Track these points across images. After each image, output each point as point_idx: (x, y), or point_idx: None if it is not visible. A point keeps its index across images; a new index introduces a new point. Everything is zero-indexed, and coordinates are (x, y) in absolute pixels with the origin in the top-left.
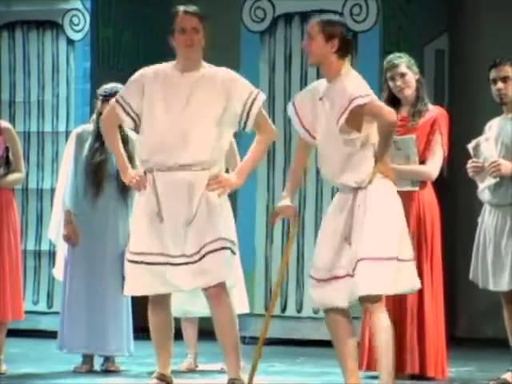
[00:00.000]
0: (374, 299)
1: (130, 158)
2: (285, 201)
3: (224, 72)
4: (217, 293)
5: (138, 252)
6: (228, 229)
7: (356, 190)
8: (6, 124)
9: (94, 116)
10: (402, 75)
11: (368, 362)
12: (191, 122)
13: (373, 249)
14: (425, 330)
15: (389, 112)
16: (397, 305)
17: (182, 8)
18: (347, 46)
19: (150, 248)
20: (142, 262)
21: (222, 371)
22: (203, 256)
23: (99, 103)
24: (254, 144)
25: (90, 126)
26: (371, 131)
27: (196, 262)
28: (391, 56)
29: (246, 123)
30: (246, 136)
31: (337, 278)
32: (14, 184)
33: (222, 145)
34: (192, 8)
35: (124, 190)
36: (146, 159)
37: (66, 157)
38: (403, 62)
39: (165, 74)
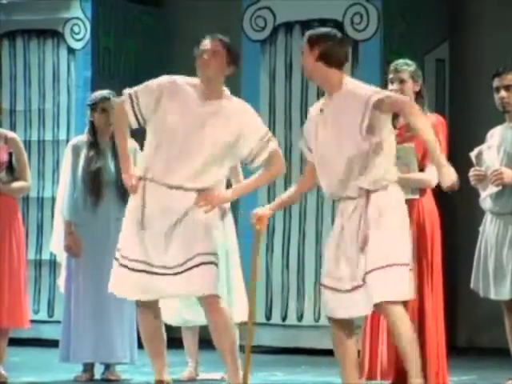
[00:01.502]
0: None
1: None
2: (264, 208)
3: (241, 109)
4: (210, 300)
5: (123, 255)
6: (213, 241)
7: (366, 194)
8: (12, 134)
9: (88, 126)
10: (401, 81)
11: (369, 370)
12: (198, 149)
13: (388, 256)
14: (425, 339)
15: (409, 104)
16: None
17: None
18: (334, 54)
19: (133, 254)
20: (125, 266)
21: (222, 380)
22: (189, 268)
23: (89, 112)
24: (261, 171)
25: (85, 137)
26: (384, 135)
27: (179, 273)
28: (399, 61)
29: (252, 161)
30: None
31: (357, 287)
32: (18, 192)
33: (222, 174)
34: (221, 36)
35: (124, 196)
36: (145, 166)
37: (64, 169)
38: (407, 70)
39: (186, 95)
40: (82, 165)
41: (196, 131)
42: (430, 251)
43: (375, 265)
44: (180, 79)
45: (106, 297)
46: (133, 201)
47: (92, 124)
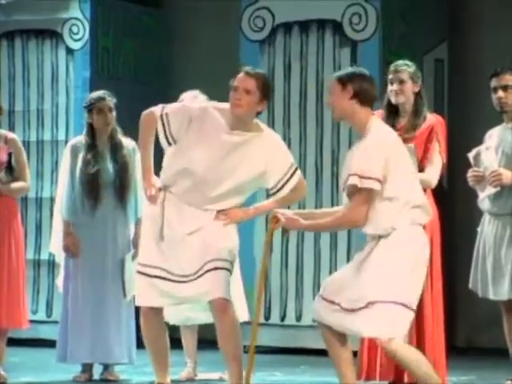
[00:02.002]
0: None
1: (125, 165)
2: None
3: (269, 141)
4: (220, 303)
5: (142, 263)
6: (227, 249)
7: (378, 238)
8: (12, 135)
9: (86, 128)
10: (401, 82)
11: (367, 371)
12: (221, 179)
13: (380, 292)
14: (425, 339)
15: (353, 213)
16: None
17: (246, 68)
18: (369, 91)
19: (153, 261)
20: (145, 274)
21: (221, 380)
22: (202, 275)
23: (86, 114)
24: (288, 193)
25: (83, 138)
26: (386, 185)
27: (194, 280)
28: (399, 62)
29: (277, 193)
30: None
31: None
32: (17, 192)
33: (242, 198)
34: (255, 71)
35: (122, 198)
36: (171, 179)
37: (63, 169)
38: (407, 71)
39: (214, 123)
40: (80, 167)
41: (220, 161)
42: (430, 252)
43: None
44: (211, 107)
45: (103, 297)
46: (151, 209)
47: (90, 126)
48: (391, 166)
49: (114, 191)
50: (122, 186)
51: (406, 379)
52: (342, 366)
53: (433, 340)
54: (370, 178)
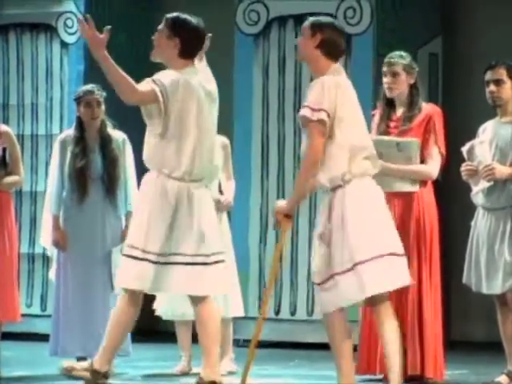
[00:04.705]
0: (382, 299)
1: (114, 158)
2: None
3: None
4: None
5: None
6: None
7: (333, 190)
8: (5, 128)
9: (75, 121)
10: (394, 74)
11: (368, 363)
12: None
13: (368, 249)
14: (424, 331)
15: (311, 150)
16: (397, 306)
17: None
18: (336, 44)
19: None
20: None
21: None
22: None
23: (76, 107)
24: None
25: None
26: (338, 130)
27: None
28: (394, 53)
29: None
30: (240, 142)
31: (328, 279)
32: (11, 186)
33: None
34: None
35: (111, 191)
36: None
37: (53, 163)
38: (401, 63)
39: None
40: (68, 160)
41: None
42: (429, 244)
43: (342, 267)
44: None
45: (93, 291)
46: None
47: (78, 119)
48: (344, 107)
49: (102, 184)
50: (110, 180)
51: (408, 371)
52: (342, 360)
53: (432, 331)
54: (321, 110)
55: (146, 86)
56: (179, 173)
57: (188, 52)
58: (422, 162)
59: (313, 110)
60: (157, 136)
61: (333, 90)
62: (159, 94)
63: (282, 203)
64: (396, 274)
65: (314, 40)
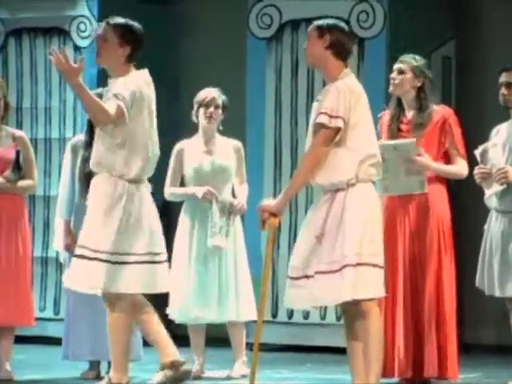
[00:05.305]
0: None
1: None
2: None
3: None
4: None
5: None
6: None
7: (334, 191)
8: (20, 133)
9: (86, 126)
10: (400, 72)
11: (386, 367)
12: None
13: (355, 254)
14: (446, 331)
15: (317, 149)
16: (414, 306)
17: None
18: (344, 45)
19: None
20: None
21: (228, 378)
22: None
23: None
24: None
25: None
26: (350, 136)
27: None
28: (409, 54)
29: None
30: (253, 145)
31: (307, 277)
32: (25, 191)
33: None
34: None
35: None
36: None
37: (64, 168)
38: (409, 63)
39: None
40: (78, 165)
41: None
42: (445, 247)
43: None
44: None
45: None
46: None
47: (89, 123)
48: (357, 112)
49: None
50: None
51: (425, 374)
52: (355, 362)
53: (451, 332)
54: (338, 117)
55: (112, 105)
56: (130, 176)
57: (134, 57)
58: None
59: (330, 116)
60: (112, 142)
61: (347, 96)
62: (125, 109)
63: (269, 202)
64: (377, 284)
65: (324, 41)
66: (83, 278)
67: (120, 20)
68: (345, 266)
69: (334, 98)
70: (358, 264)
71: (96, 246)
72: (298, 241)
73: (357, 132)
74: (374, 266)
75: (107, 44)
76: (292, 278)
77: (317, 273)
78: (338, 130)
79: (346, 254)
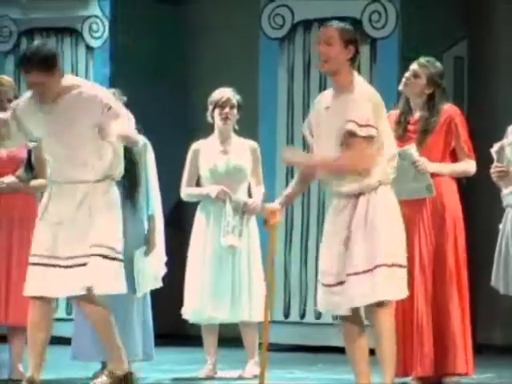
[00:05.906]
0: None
1: (135, 162)
2: (274, 203)
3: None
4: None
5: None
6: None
7: (355, 196)
8: None
9: None
10: (415, 75)
11: (404, 366)
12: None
13: (387, 255)
14: (451, 330)
15: (363, 157)
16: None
17: None
18: (358, 56)
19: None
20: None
21: (240, 378)
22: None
23: None
24: None
25: None
26: (384, 141)
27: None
28: (430, 58)
29: None
30: (265, 145)
31: (341, 283)
32: (37, 189)
33: None
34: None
35: (131, 196)
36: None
37: None
38: (426, 70)
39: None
40: None
41: None
42: (454, 248)
43: (378, 262)
44: None
45: (115, 294)
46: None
47: None
48: (378, 117)
49: (123, 189)
50: (131, 184)
51: (444, 371)
52: (357, 364)
53: (460, 331)
54: (368, 126)
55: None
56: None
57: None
58: (454, 161)
59: (360, 125)
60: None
61: (369, 104)
62: None
63: (272, 204)
64: (404, 284)
65: (348, 52)
66: (28, 283)
67: (44, 48)
68: (376, 267)
69: (359, 106)
70: (389, 264)
71: (32, 250)
72: (323, 248)
73: (386, 136)
74: (401, 266)
75: (43, 77)
76: (325, 285)
77: (349, 275)
78: (371, 138)
79: (376, 255)
